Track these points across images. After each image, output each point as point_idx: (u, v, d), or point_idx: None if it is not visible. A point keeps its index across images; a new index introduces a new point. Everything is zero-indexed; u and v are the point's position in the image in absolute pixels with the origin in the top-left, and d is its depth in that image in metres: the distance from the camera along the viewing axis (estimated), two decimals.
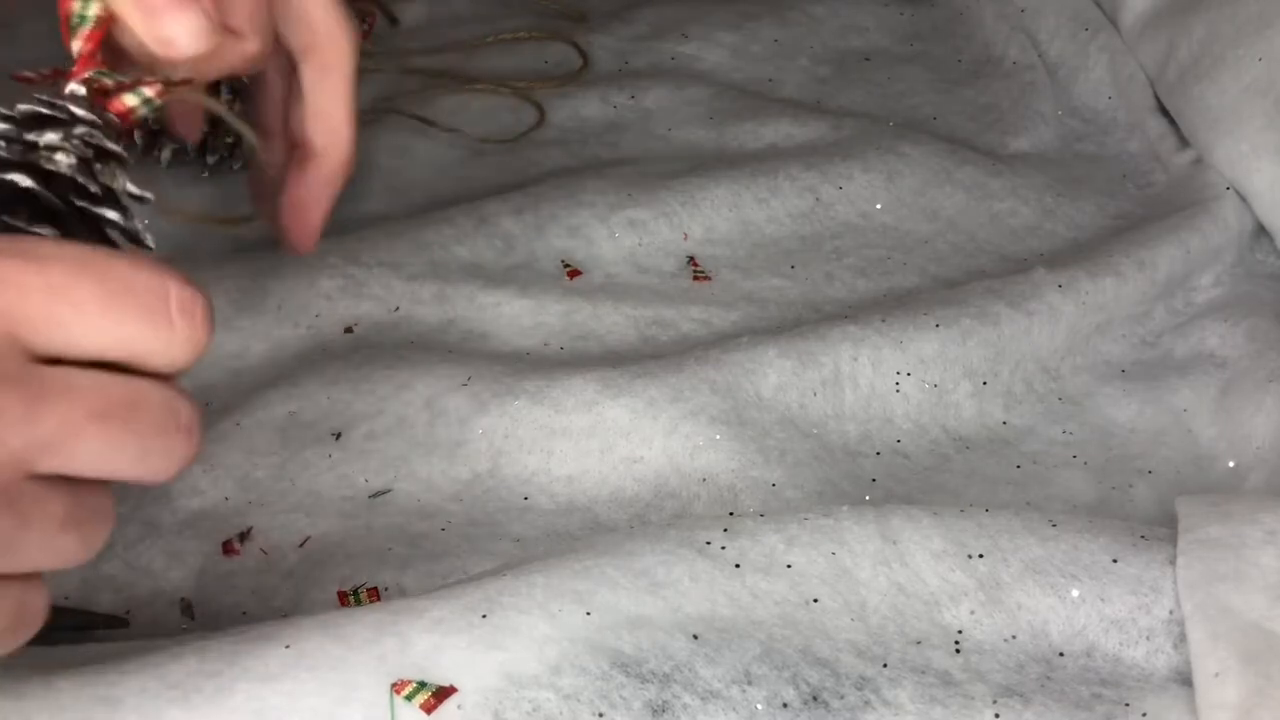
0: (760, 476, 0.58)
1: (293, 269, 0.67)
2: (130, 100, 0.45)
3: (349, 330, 0.65)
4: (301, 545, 0.57)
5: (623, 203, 0.73)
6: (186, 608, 0.54)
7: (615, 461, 0.59)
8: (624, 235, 0.72)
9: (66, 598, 0.54)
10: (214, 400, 0.62)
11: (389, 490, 0.59)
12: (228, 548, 0.56)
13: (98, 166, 0.43)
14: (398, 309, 0.66)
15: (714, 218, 0.74)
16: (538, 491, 0.59)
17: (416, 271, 0.68)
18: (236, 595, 0.54)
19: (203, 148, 0.74)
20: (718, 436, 0.59)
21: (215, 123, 0.74)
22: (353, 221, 0.73)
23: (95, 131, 0.43)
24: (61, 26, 0.45)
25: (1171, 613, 0.48)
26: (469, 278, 0.68)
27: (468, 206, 0.72)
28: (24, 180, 0.41)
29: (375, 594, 0.54)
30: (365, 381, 0.62)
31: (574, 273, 0.71)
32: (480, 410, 0.60)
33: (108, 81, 0.44)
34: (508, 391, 0.60)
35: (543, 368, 0.63)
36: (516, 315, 0.67)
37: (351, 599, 0.54)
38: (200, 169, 0.75)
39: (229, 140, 0.74)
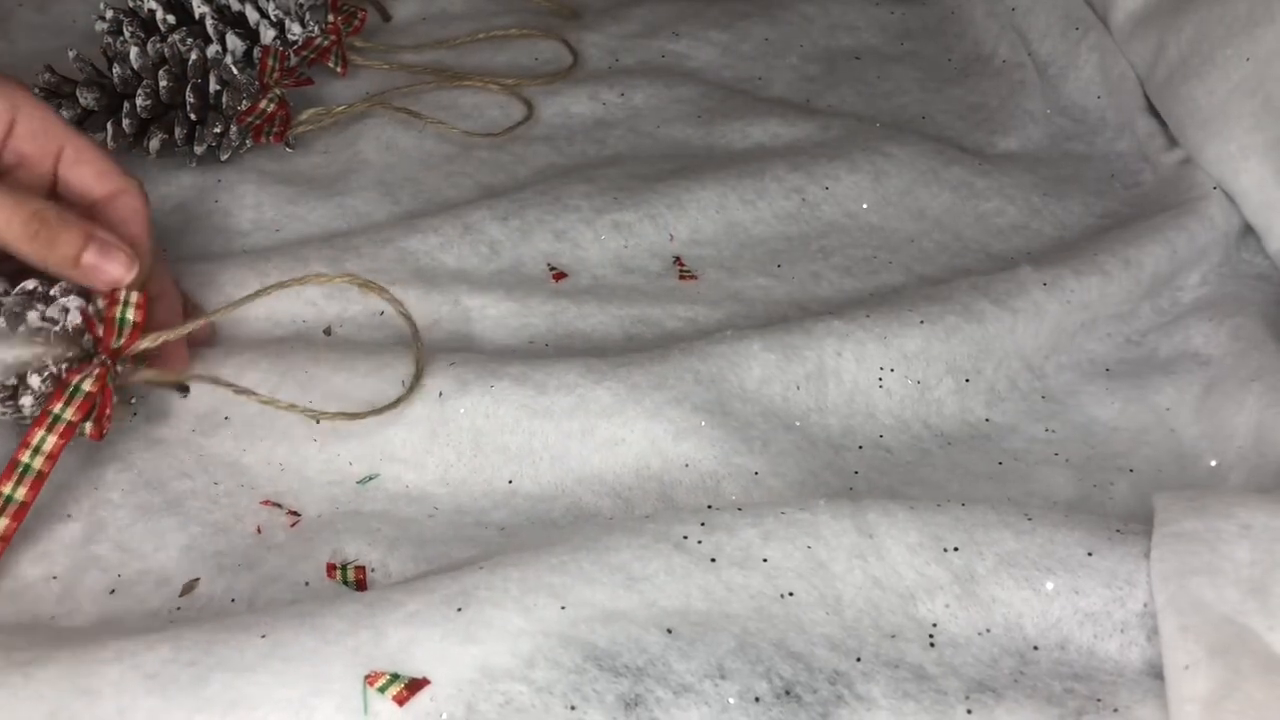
0: (743, 464, 0.59)
1: (278, 279, 0.66)
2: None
3: (327, 332, 0.65)
4: (293, 526, 0.57)
5: (608, 206, 0.73)
6: (189, 587, 0.55)
7: (597, 443, 0.59)
8: (610, 238, 0.72)
9: (55, 577, 0.54)
10: (202, 396, 0.62)
11: (376, 475, 0.59)
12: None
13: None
14: (382, 313, 0.66)
15: (700, 219, 0.74)
16: (520, 474, 0.59)
17: (401, 278, 0.68)
18: (225, 576, 0.55)
19: (190, 138, 0.74)
20: (702, 423, 0.60)
21: (203, 118, 0.74)
22: (337, 221, 0.73)
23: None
24: (107, 326, 0.57)
25: (1146, 606, 0.48)
26: (455, 283, 0.69)
27: (453, 214, 0.72)
28: None
29: (362, 572, 0.55)
30: (344, 360, 0.62)
31: (559, 275, 0.71)
32: (462, 389, 0.60)
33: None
34: (490, 374, 0.60)
35: (528, 358, 0.63)
36: (502, 317, 0.68)
37: (339, 573, 0.55)
38: (188, 159, 0.75)
39: (217, 130, 0.74)
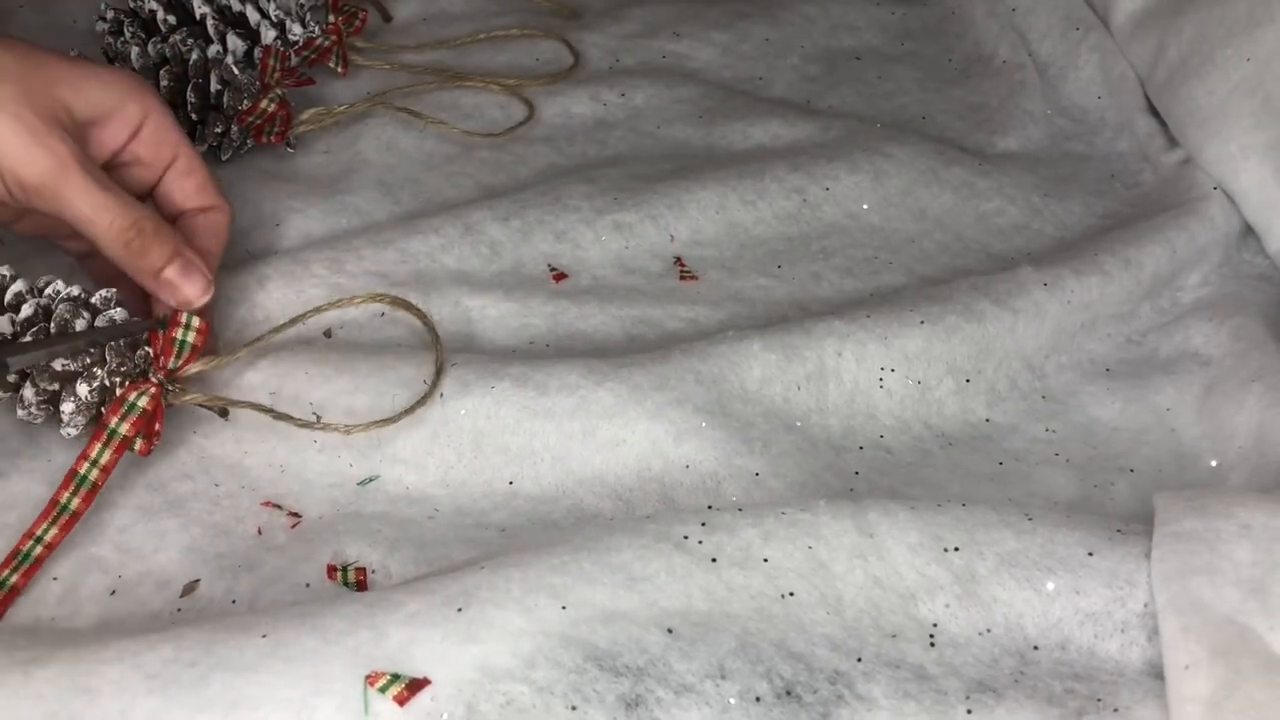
0: (744, 466, 0.59)
1: (278, 281, 0.67)
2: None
3: (328, 334, 0.66)
4: (293, 528, 0.57)
5: (609, 206, 0.73)
6: (190, 588, 0.55)
7: (598, 444, 0.59)
8: (610, 238, 0.72)
9: (55, 578, 0.55)
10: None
11: (377, 477, 0.59)
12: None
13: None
14: (383, 315, 0.66)
15: (701, 220, 0.74)
16: (521, 475, 0.59)
17: (402, 279, 0.68)
18: (226, 577, 0.55)
19: (191, 138, 0.74)
20: (703, 425, 0.60)
21: (204, 118, 0.74)
22: (338, 221, 0.73)
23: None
24: (166, 346, 0.59)
25: (1146, 606, 0.48)
26: (455, 284, 0.69)
27: (453, 214, 0.72)
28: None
29: (363, 573, 0.55)
30: (345, 360, 0.62)
31: (560, 276, 0.71)
32: (463, 391, 0.60)
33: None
34: (492, 375, 0.61)
35: (528, 359, 0.63)
36: (503, 318, 0.67)
37: (340, 574, 0.55)
38: None
39: (218, 130, 0.74)
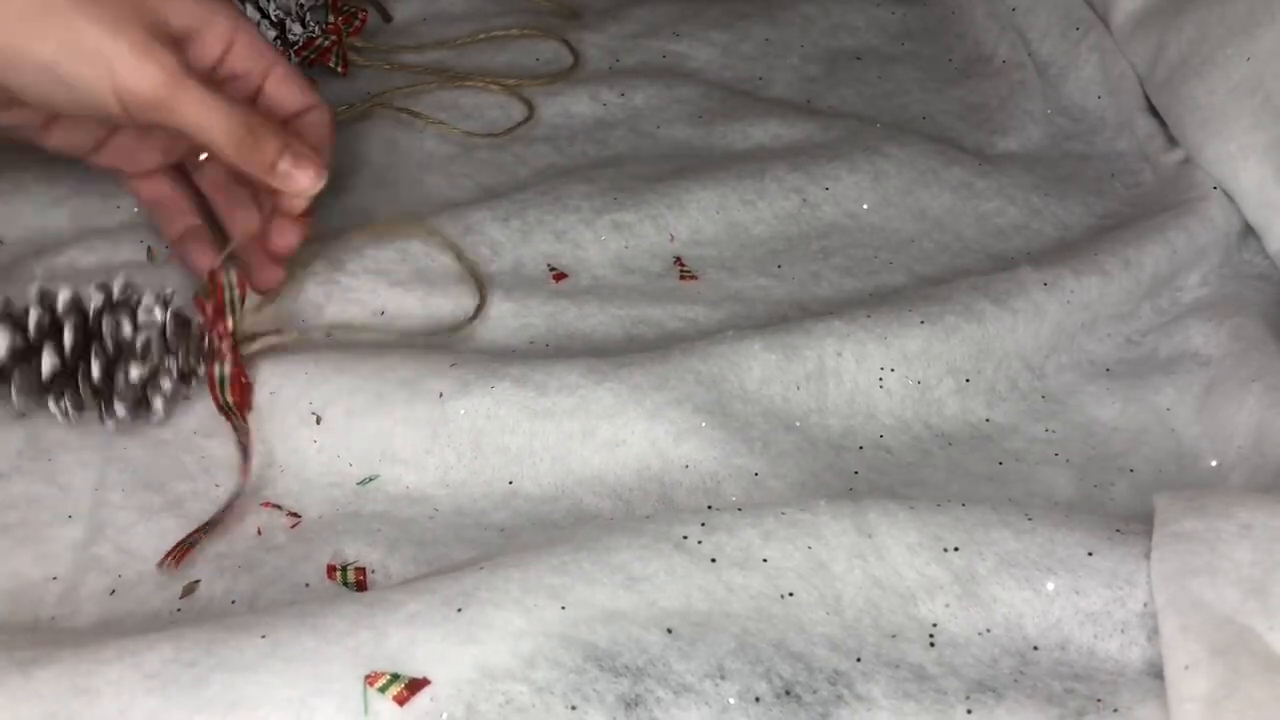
0: (743, 466, 0.59)
1: None
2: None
3: (328, 334, 0.66)
4: (293, 528, 0.57)
5: (608, 206, 0.73)
6: (190, 588, 0.55)
7: (598, 445, 0.59)
8: (610, 238, 0.72)
9: (55, 578, 0.54)
10: (204, 397, 0.62)
11: (376, 476, 0.59)
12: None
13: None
14: (383, 313, 0.66)
15: (700, 219, 0.74)
16: (521, 475, 0.59)
17: (402, 278, 0.68)
18: (226, 577, 0.55)
19: None
20: (703, 424, 0.60)
21: None
22: (339, 221, 0.73)
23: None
24: (217, 311, 0.60)
25: (1146, 606, 0.48)
26: (455, 283, 0.69)
27: (453, 213, 0.72)
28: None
29: (362, 573, 0.55)
30: (346, 360, 0.62)
31: (560, 276, 0.71)
32: (463, 390, 0.60)
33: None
34: (492, 375, 0.61)
35: (528, 359, 0.63)
36: (502, 317, 0.68)
37: (339, 574, 0.55)
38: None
39: None
